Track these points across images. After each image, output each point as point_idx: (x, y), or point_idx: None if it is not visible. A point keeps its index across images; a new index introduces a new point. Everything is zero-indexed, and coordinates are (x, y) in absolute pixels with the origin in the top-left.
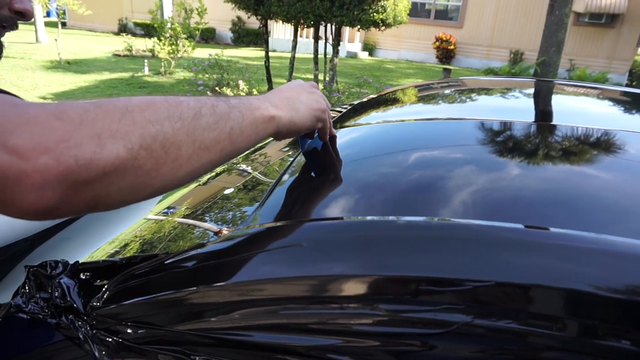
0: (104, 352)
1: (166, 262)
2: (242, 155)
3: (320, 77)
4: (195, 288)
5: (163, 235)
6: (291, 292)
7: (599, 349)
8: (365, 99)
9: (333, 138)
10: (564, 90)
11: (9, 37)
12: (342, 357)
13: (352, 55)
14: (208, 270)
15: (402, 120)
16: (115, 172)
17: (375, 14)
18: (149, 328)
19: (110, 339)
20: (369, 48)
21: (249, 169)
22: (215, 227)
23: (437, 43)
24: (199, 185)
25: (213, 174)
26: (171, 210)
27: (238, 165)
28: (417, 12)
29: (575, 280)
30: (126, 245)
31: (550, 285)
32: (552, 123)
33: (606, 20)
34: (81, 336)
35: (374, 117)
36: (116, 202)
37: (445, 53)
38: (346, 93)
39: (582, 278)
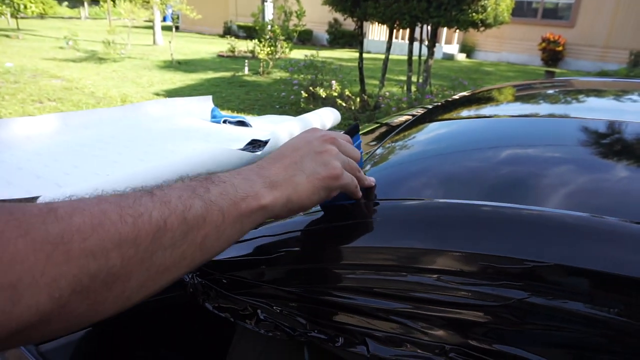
0: (203, 297)
1: (258, 228)
2: None
3: (414, 79)
4: (282, 251)
5: None
6: (367, 260)
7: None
8: (457, 96)
9: (370, 190)
10: None
11: (132, 39)
12: (404, 319)
13: (449, 57)
14: (289, 238)
15: (493, 116)
16: (33, 326)
17: (474, 14)
18: (241, 281)
19: (210, 287)
20: (467, 49)
21: None
22: None
23: (544, 44)
24: None
25: None
26: None
27: None
28: (522, 11)
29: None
30: None
31: (609, 272)
32: None
33: None
34: (187, 282)
35: (463, 112)
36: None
37: (552, 55)
38: (439, 96)
39: None
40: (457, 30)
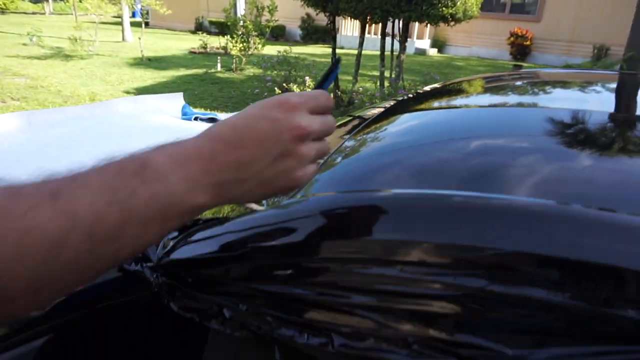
0: (168, 298)
1: (226, 223)
2: None
3: (387, 74)
4: (248, 248)
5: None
6: (332, 254)
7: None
8: (427, 88)
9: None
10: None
11: (100, 36)
12: (368, 313)
13: (421, 52)
14: (256, 234)
15: (461, 107)
16: None
17: (444, 8)
18: (206, 279)
19: (175, 286)
20: (439, 44)
21: None
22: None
23: (512, 39)
24: None
25: None
26: None
27: None
28: (491, 6)
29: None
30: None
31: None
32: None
33: None
34: (152, 282)
35: (432, 104)
36: None
37: (520, 49)
38: (412, 91)
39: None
40: (429, 25)
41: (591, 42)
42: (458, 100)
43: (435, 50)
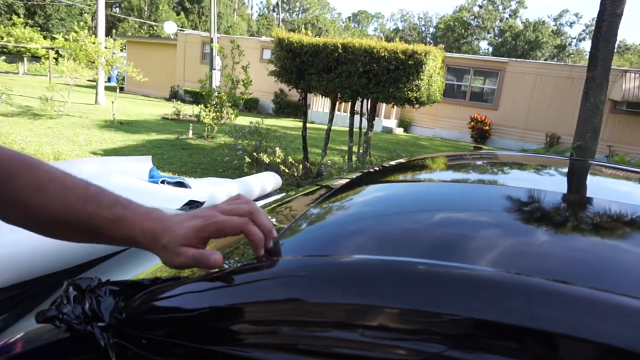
0: (118, 357)
1: (185, 284)
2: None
3: (355, 149)
4: (207, 308)
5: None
6: (292, 316)
7: None
8: (392, 163)
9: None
10: (582, 167)
11: (73, 98)
12: None
13: (388, 131)
14: (220, 292)
15: (423, 181)
16: None
17: (409, 92)
18: (163, 341)
19: (127, 348)
20: (405, 124)
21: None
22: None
23: (472, 123)
24: None
25: None
26: None
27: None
28: (453, 92)
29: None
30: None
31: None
32: (560, 192)
33: None
34: (102, 343)
35: (396, 177)
36: None
37: (480, 133)
38: (377, 164)
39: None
40: (395, 106)
41: (543, 130)
42: (421, 175)
43: (402, 129)
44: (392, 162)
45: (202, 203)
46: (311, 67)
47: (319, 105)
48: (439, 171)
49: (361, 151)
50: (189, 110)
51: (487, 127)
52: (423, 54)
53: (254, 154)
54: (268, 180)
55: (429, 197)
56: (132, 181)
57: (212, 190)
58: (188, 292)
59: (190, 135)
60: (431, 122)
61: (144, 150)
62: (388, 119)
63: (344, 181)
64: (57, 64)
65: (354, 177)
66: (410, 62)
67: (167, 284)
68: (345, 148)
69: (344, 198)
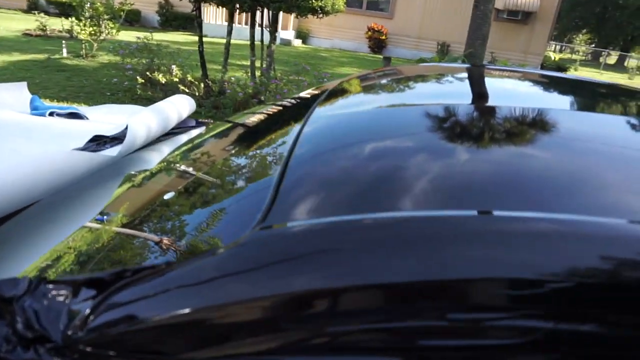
0: None
1: (164, 275)
2: (178, 153)
3: (257, 63)
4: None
5: (106, 244)
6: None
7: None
8: (314, 90)
9: None
10: (496, 74)
11: None
12: None
13: (286, 43)
14: (219, 288)
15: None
16: None
17: (314, 1)
18: (137, 356)
19: None
20: (303, 36)
21: (186, 169)
22: (156, 238)
23: (370, 33)
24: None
25: (148, 173)
26: (106, 217)
27: (174, 165)
28: (350, 2)
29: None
30: (85, 255)
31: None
32: (492, 105)
33: (522, 17)
34: None
35: (328, 107)
36: None
37: (377, 43)
38: (284, 80)
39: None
40: (293, 17)
41: (435, 39)
42: (345, 101)
43: (300, 41)
44: (316, 90)
45: (110, 138)
46: None
47: (211, 17)
48: (361, 95)
49: (264, 66)
50: (57, 24)
51: (384, 37)
52: None
53: (147, 73)
54: (182, 105)
55: (391, 127)
56: (12, 115)
57: (128, 122)
58: (175, 288)
59: (65, 54)
60: (329, 33)
61: (8, 75)
62: (285, 30)
63: (256, 118)
64: None
65: (267, 111)
66: None
67: (138, 277)
68: (246, 63)
69: (272, 139)
